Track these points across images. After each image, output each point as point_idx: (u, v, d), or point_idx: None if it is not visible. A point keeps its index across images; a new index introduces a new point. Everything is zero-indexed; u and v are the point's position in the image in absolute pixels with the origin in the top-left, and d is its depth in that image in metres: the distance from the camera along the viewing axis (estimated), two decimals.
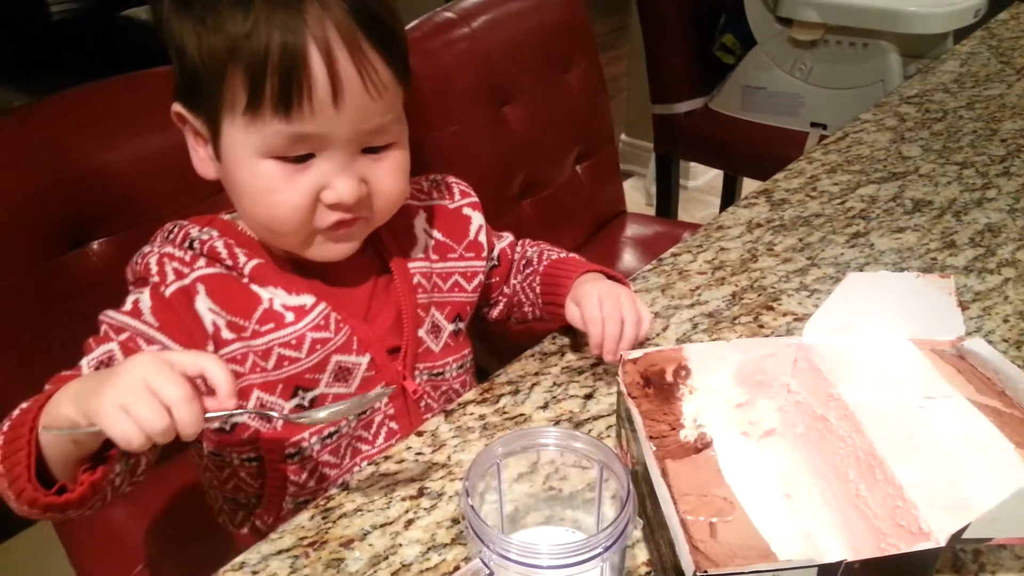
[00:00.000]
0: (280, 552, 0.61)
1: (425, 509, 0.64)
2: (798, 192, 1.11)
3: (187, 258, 0.69)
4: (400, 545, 0.61)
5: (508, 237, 0.89)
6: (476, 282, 0.82)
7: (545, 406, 0.75)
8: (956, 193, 1.09)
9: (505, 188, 1.37)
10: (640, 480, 0.57)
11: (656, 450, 0.63)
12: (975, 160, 1.17)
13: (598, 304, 0.74)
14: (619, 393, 0.63)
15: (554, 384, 0.78)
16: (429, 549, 0.61)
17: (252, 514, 0.77)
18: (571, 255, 0.86)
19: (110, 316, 0.67)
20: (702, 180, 2.85)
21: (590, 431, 0.72)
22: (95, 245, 0.90)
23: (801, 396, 0.66)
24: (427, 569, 0.59)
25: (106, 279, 0.89)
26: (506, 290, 0.88)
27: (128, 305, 0.68)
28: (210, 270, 0.69)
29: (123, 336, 0.66)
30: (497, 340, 1.04)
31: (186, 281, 0.67)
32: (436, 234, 0.80)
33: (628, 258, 1.53)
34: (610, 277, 0.80)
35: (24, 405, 0.60)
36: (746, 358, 0.66)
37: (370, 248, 0.75)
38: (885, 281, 0.68)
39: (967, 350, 0.66)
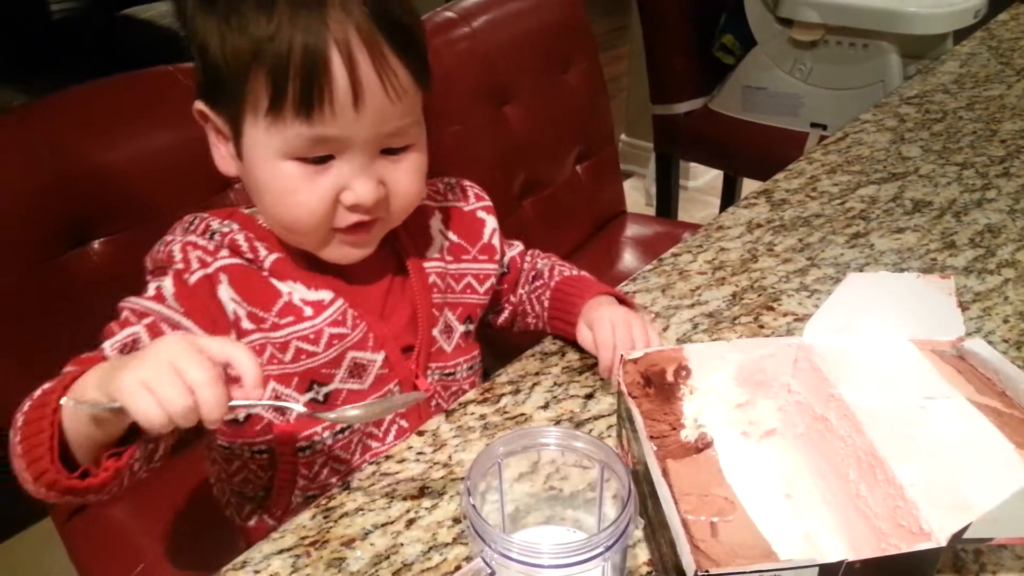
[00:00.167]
0: (282, 551, 0.61)
1: (426, 508, 0.64)
2: (798, 192, 1.11)
3: (211, 247, 0.69)
4: (401, 544, 0.61)
5: (518, 246, 0.89)
6: (488, 285, 0.83)
7: (546, 406, 0.75)
8: (956, 194, 1.09)
9: (505, 188, 1.37)
10: (641, 480, 0.57)
11: (657, 450, 0.63)
12: (975, 161, 1.17)
13: (611, 329, 0.74)
14: (620, 393, 0.64)
15: (555, 384, 0.78)
16: (430, 548, 0.61)
17: (260, 506, 0.77)
18: (583, 273, 0.87)
19: (132, 302, 0.67)
20: (702, 180, 2.85)
21: (591, 431, 0.72)
22: (96, 244, 0.90)
23: (801, 396, 0.66)
24: (428, 568, 0.59)
25: (107, 278, 0.89)
26: (512, 298, 0.88)
27: (151, 291, 0.68)
28: (233, 260, 0.69)
29: (147, 320, 0.66)
30: (497, 340, 1.04)
31: (209, 270, 0.68)
32: (451, 235, 0.81)
33: (628, 258, 1.53)
34: (620, 301, 0.81)
35: (46, 386, 0.59)
36: (746, 358, 0.66)
37: (387, 247, 0.75)
38: (885, 281, 0.69)
39: (967, 350, 0.66)
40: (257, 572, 0.60)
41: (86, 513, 0.96)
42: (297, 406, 0.64)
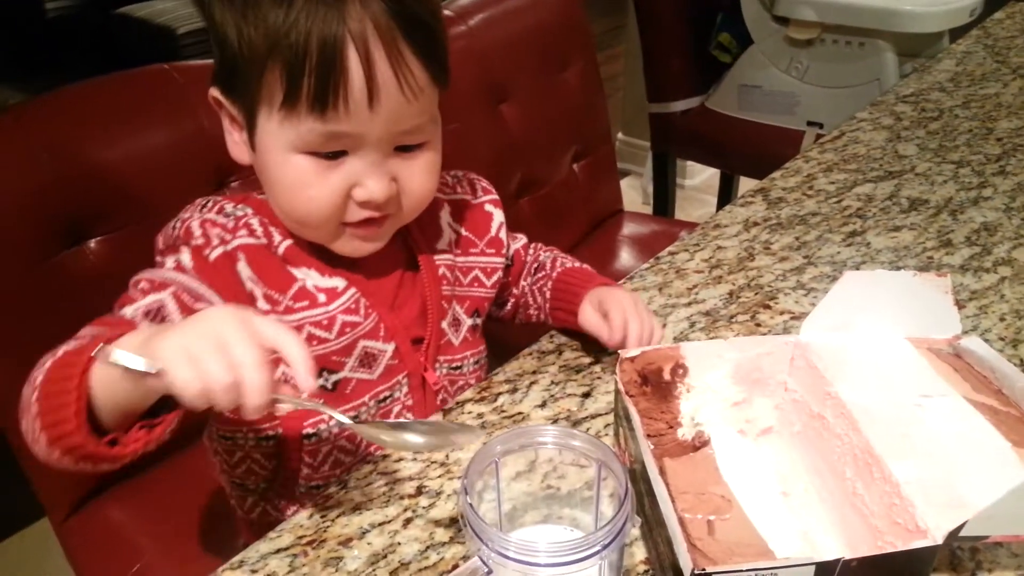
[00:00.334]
0: (279, 551, 0.61)
1: (424, 508, 0.64)
2: (795, 191, 1.11)
3: (229, 225, 0.69)
4: (399, 544, 0.61)
5: (522, 239, 0.90)
6: (495, 278, 0.83)
7: (543, 405, 0.75)
8: (952, 192, 1.09)
9: (502, 186, 1.36)
10: (638, 478, 0.57)
11: (654, 448, 0.63)
12: (971, 159, 1.17)
13: (632, 303, 0.76)
14: (617, 392, 0.64)
15: (552, 383, 0.78)
16: (427, 548, 0.61)
17: (263, 498, 0.77)
18: (584, 266, 0.87)
19: (149, 273, 0.66)
20: (699, 179, 2.85)
21: (588, 429, 0.72)
22: (92, 243, 0.90)
23: (798, 394, 0.66)
24: (425, 567, 0.59)
25: (104, 277, 0.89)
26: (515, 291, 0.89)
27: (169, 264, 0.67)
28: (250, 240, 0.69)
29: (170, 289, 0.64)
30: (495, 339, 1.04)
31: (229, 247, 0.68)
32: (459, 229, 0.81)
33: (625, 256, 1.53)
34: None
35: (69, 346, 0.56)
36: (743, 356, 0.66)
37: (398, 240, 0.75)
38: (882, 280, 0.69)
39: (963, 348, 0.66)
40: (254, 571, 0.60)
41: (83, 513, 0.96)
42: (344, 418, 0.59)
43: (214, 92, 0.68)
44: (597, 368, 0.79)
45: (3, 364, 0.85)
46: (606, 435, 0.71)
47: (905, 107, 1.35)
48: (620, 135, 2.90)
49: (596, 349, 0.82)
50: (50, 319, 0.87)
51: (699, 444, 0.66)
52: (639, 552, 0.60)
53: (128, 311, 0.63)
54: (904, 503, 0.53)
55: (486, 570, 0.50)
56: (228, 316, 0.52)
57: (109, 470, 0.56)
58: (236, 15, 0.61)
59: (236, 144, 0.69)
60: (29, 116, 0.89)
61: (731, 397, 0.67)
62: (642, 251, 1.52)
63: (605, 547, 0.49)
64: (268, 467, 0.75)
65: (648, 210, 2.33)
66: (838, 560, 0.48)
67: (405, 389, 0.76)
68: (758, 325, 0.85)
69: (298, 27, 0.59)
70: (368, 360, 0.73)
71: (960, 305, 0.85)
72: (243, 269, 0.68)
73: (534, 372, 0.79)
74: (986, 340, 0.73)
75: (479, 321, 0.83)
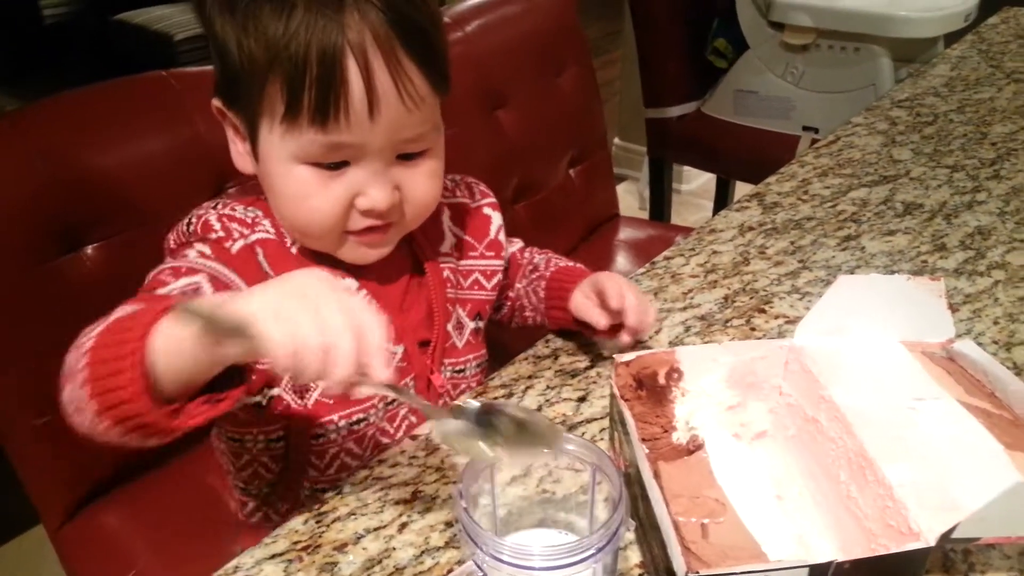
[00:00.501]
0: (274, 556, 0.61)
1: (419, 513, 0.64)
2: (790, 196, 1.12)
3: (247, 220, 0.70)
4: (394, 549, 0.61)
5: (518, 243, 0.91)
6: (495, 281, 0.83)
7: (539, 409, 0.75)
8: (946, 196, 1.09)
9: (498, 192, 1.35)
10: (633, 482, 0.57)
11: (649, 452, 0.63)
12: (965, 163, 1.18)
13: (627, 282, 0.76)
14: (612, 396, 0.64)
15: (547, 387, 0.78)
16: (423, 552, 0.61)
17: (264, 503, 0.77)
18: (577, 265, 0.88)
19: (174, 262, 0.65)
20: (695, 184, 2.86)
21: (583, 434, 0.72)
22: (88, 250, 0.90)
23: (792, 398, 0.66)
24: (421, 572, 0.59)
25: (100, 283, 0.89)
26: (511, 293, 0.89)
27: (192, 254, 0.66)
28: (268, 236, 0.70)
29: (202, 274, 0.63)
30: (492, 343, 1.04)
31: (249, 240, 0.68)
32: (459, 232, 0.82)
33: (621, 261, 1.53)
34: None
35: (129, 309, 0.53)
36: (738, 360, 0.66)
37: (404, 247, 0.76)
38: (876, 284, 0.69)
39: (957, 352, 0.67)
40: None
41: (78, 519, 0.95)
42: (422, 401, 0.56)
43: (216, 103, 0.68)
44: (593, 372, 0.79)
45: None
46: (601, 439, 0.71)
47: (900, 112, 1.35)
48: (616, 140, 2.91)
49: (592, 354, 0.82)
50: (44, 325, 0.88)
51: (693, 448, 0.66)
52: (633, 555, 0.60)
53: (163, 292, 0.60)
54: (897, 505, 0.53)
55: (480, 574, 0.50)
56: (319, 278, 0.50)
57: (156, 445, 0.52)
58: (237, 28, 0.61)
59: (240, 154, 0.70)
60: (26, 122, 0.89)
61: (726, 401, 0.67)
62: (638, 256, 1.53)
63: (599, 550, 0.49)
64: (274, 470, 0.76)
65: (645, 215, 2.33)
66: (831, 563, 0.48)
67: (411, 392, 0.76)
68: (753, 329, 0.85)
69: (297, 39, 0.59)
70: None
71: (954, 309, 0.85)
72: (263, 262, 0.69)
73: (530, 376, 0.79)
74: (980, 343, 0.73)
75: (481, 324, 0.83)
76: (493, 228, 0.84)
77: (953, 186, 1.12)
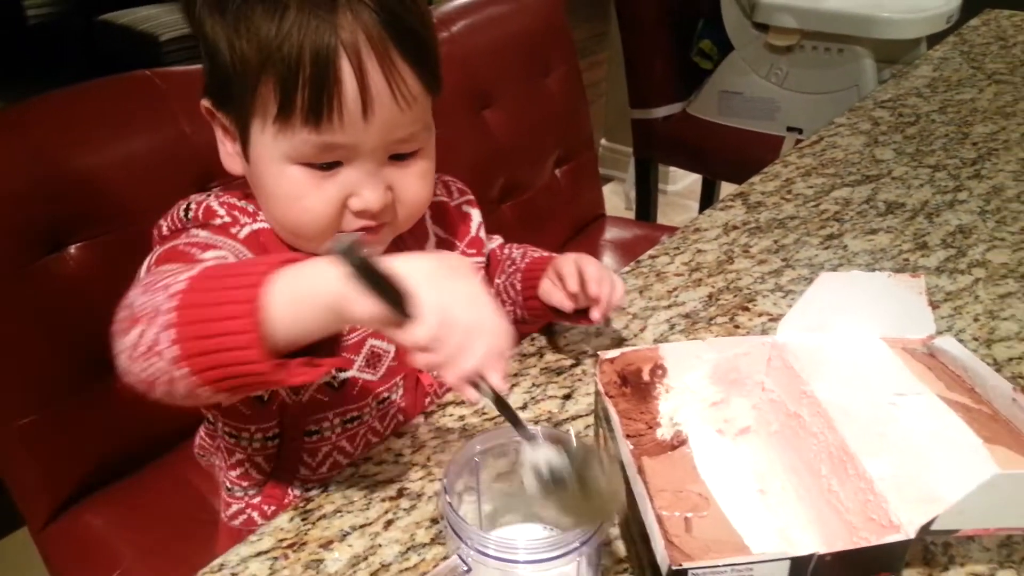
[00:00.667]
0: (259, 554, 0.61)
1: (404, 510, 0.65)
2: (773, 195, 1.12)
3: (249, 209, 0.69)
4: (379, 546, 0.62)
5: (497, 239, 0.91)
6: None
7: (524, 407, 0.75)
8: (928, 195, 1.10)
9: (485, 191, 1.37)
10: None
11: (633, 448, 0.64)
12: (947, 163, 1.19)
13: (587, 258, 0.76)
14: (597, 393, 0.64)
15: (533, 385, 0.78)
16: (408, 549, 0.61)
17: (248, 506, 0.77)
18: (552, 255, 0.87)
19: (189, 238, 0.64)
20: (681, 184, 2.87)
21: (568, 431, 0.72)
22: (73, 249, 0.90)
23: (775, 394, 0.67)
24: (406, 569, 0.60)
25: (85, 282, 0.89)
26: (491, 289, 0.89)
27: (202, 234, 0.65)
28: (267, 225, 0.69)
29: (223, 250, 0.62)
30: None
31: (254, 227, 0.68)
32: (441, 231, 0.82)
33: (607, 261, 1.54)
34: None
35: (206, 268, 0.51)
36: (721, 357, 0.67)
37: (392, 245, 0.75)
38: (857, 281, 0.70)
39: (937, 348, 0.67)
40: (235, 575, 0.59)
41: (61, 520, 0.95)
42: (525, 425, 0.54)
43: (206, 103, 0.67)
44: (578, 370, 0.80)
45: None
46: (587, 436, 0.71)
47: (883, 112, 1.36)
48: (603, 141, 2.92)
49: (577, 351, 0.82)
50: (28, 325, 0.87)
51: (677, 443, 0.67)
52: (618, 549, 0.61)
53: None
54: (878, 499, 0.53)
55: (465, 568, 0.50)
56: (468, 265, 0.51)
57: (227, 402, 0.51)
58: (228, 29, 0.61)
59: (229, 155, 0.69)
60: (10, 122, 0.89)
61: (709, 397, 0.68)
62: (624, 255, 1.53)
63: (583, 544, 0.49)
64: (266, 471, 0.75)
65: (631, 216, 2.34)
66: (812, 555, 0.49)
67: (401, 391, 0.77)
68: (737, 327, 0.86)
69: (290, 39, 0.59)
70: (373, 360, 0.74)
71: (935, 306, 0.86)
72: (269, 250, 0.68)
73: (515, 375, 0.80)
74: (961, 340, 0.74)
75: None
76: (473, 225, 0.84)
77: (935, 185, 1.13)
